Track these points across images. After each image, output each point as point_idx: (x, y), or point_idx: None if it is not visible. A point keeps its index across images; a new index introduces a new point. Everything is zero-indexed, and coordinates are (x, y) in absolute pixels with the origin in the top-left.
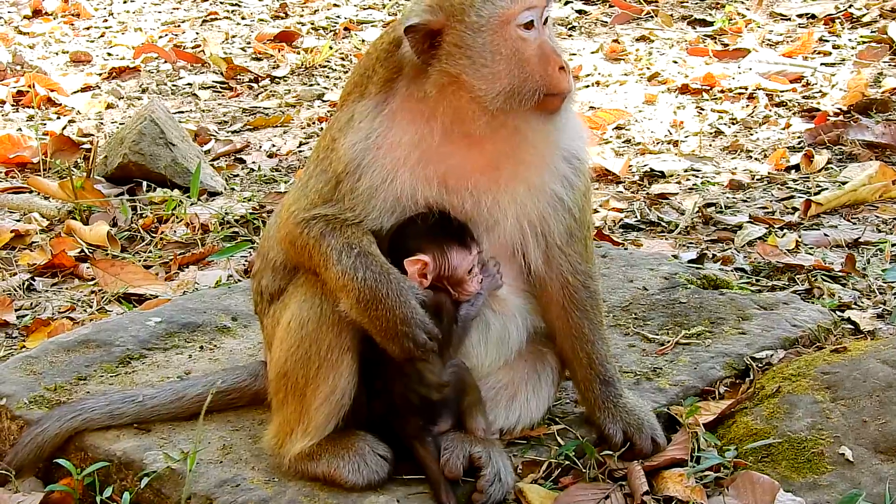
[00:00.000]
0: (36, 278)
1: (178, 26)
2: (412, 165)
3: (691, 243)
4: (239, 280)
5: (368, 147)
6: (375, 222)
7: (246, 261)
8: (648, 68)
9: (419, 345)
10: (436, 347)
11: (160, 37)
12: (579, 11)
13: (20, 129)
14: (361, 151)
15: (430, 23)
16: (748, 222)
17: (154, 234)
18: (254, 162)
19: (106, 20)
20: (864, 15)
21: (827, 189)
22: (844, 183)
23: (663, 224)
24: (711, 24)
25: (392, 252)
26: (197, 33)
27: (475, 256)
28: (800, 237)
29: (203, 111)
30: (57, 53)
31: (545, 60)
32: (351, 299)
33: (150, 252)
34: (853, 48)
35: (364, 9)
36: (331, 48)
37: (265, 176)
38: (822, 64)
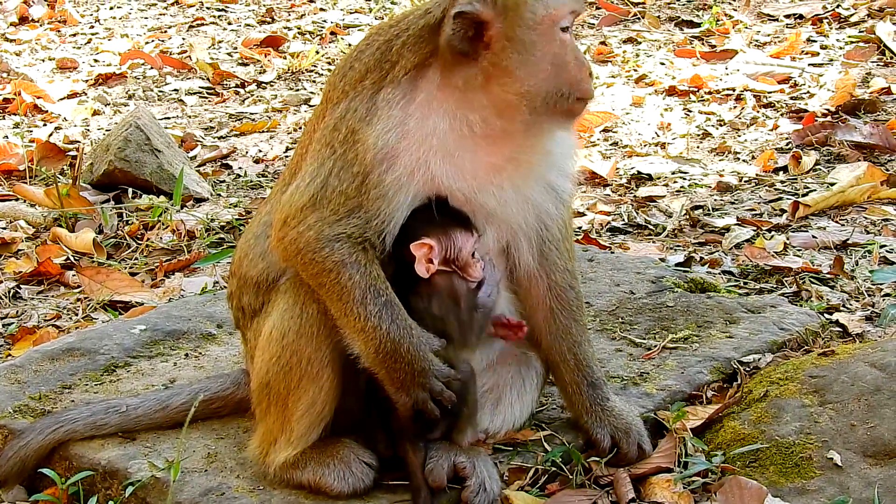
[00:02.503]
0: (21, 286)
1: (165, 32)
2: (447, 154)
3: (678, 246)
4: (224, 287)
5: (403, 134)
6: (399, 223)
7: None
8: (636, 70)
9: (435, 393)
10: (453, 397)
11: (146, 43)
12: None
13: (6, 137)
14: (396, 138)
15: (482, 13)
16: (736, 224)
17: (140, 241)
18: (240, 167)
19: (92, 26)
20: (851, 15)
21: (815, 190)
22: (833, 184)
23: (650, 227)
24: (699, 25)
25: (394, 243)
26: (183, 39)
27: (477, 238)
28: (788, 239)
29: (189, 117)
30: (43, 60)
31: (580, 65)
32: (369, 348)
33: (136, 259)
34: (841, 48)
35: (350, 13)
36: (317, 53)
37: (251, 182)
38: (809, 64)
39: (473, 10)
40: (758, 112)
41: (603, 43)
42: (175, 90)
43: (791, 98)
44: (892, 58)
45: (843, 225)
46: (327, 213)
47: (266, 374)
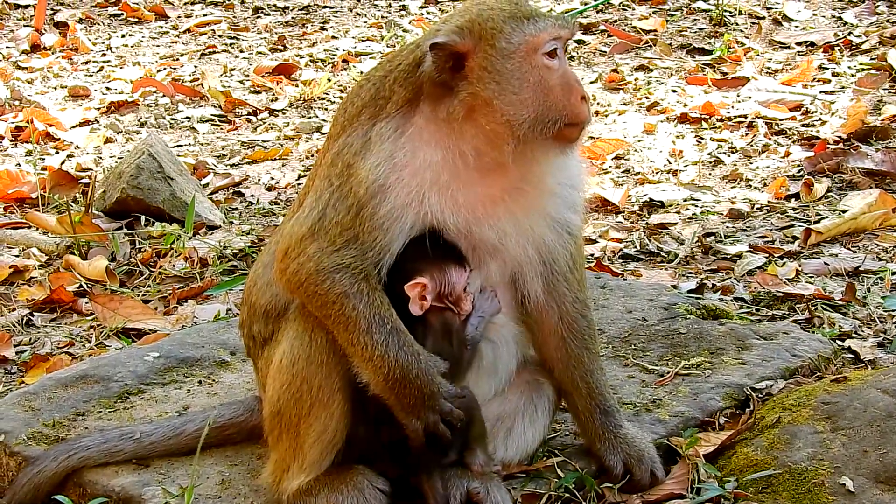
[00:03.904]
0: (35, 314)
1: (177, 60)
2: (441, 188)
3: (691, 273)
4: (237, 314)
5: (393, 167)
6: (395, 254)
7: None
8: (647, 97)
9: (445, 414)
10: (462, 416)
11: (158, 70)
12: (578, 41)
13: (19, 165)
14: (386, 172)
15: (457, 44)
16: (748, 251)
17: (153, 269)
18: (252, 195)
19: (104, 54)
20: (863, 42)
21: (827, 217)
22: (844, 211)
23: (663, 254)
24: (710, 52)
25: (389, 276)
26: (195, 67)
27: (470, 273)
28: (800, 266)
29: (201, 145)
30: (55, 88)
31: (568, 90)
32: (378, 376)
33: (149, 286)
34: (852, 75)
35: (362, 41)
36: (329, 80)
37: (264, 209)
38: (821, 92)
39: (448, 42)
40: (769, 139)
41: (615, 70)
42: (187, 118)
43: (803, 125)
44: None
45: (854, 252)
46: (325, 243)
47: (277, 401)
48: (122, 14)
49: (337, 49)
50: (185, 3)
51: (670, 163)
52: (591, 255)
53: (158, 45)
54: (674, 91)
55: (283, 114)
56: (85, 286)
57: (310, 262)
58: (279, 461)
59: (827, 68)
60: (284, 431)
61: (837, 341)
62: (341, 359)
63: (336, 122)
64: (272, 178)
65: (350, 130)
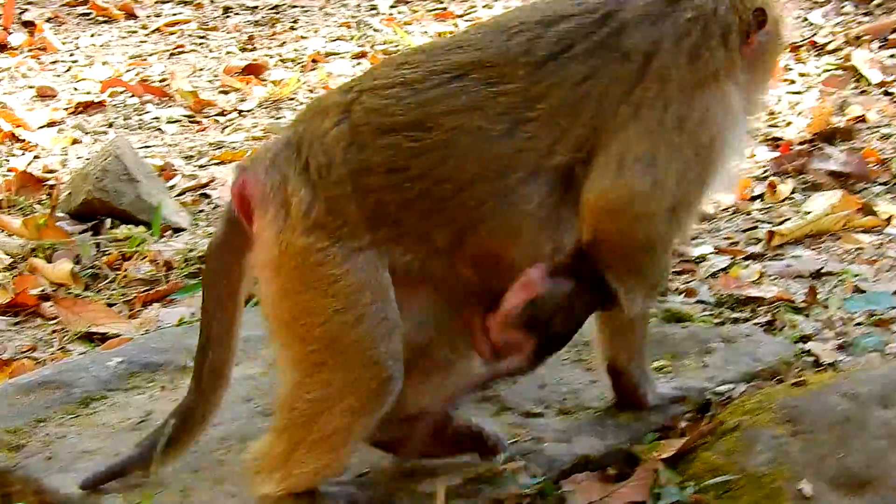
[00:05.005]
0: None
1: (145, 60)
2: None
3: None
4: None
5: (740, 134)
6: None
7: None
8: None
9: None
10: None
11: (127, 70)
12: None
13: None
14: (738, 150)
15: (768, 14)
16: (712, 253)
17: (118, 272)
18: (219, 197)
19: (72, 54)
20: (828, 42)
21: (790, 219)
22: (808, 213)
23: None
24: None
25: None
26: (164, 67)
27: None
28: (763, 268)
29: (169, 146)
30: (22, 88)
31: None
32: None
33: (114, 290)
34: (819, 76)
35: (332, 41)
36: (298, 80)
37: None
38: (787, 92)
39: (765, 9)
40: None
41: None
42: (155, 118)
43: (768, 126)
44: (867, 85)
45: (818, 253)
46: (675, 226)
47: (287, 418)
48: (92, 13)
49: (306, 49)
50: (155, 3)
51: None
52: None
53: (127, 45)
54: None
55: (252, 114)
56: (49, 290)
57: (659, 241)
58: (269, 458)
59: (793, 69)
60: (286, 442)
61: (799, 344)
62: (361, 411)
63: (669, 73)
64: None
65: (707, 91)
